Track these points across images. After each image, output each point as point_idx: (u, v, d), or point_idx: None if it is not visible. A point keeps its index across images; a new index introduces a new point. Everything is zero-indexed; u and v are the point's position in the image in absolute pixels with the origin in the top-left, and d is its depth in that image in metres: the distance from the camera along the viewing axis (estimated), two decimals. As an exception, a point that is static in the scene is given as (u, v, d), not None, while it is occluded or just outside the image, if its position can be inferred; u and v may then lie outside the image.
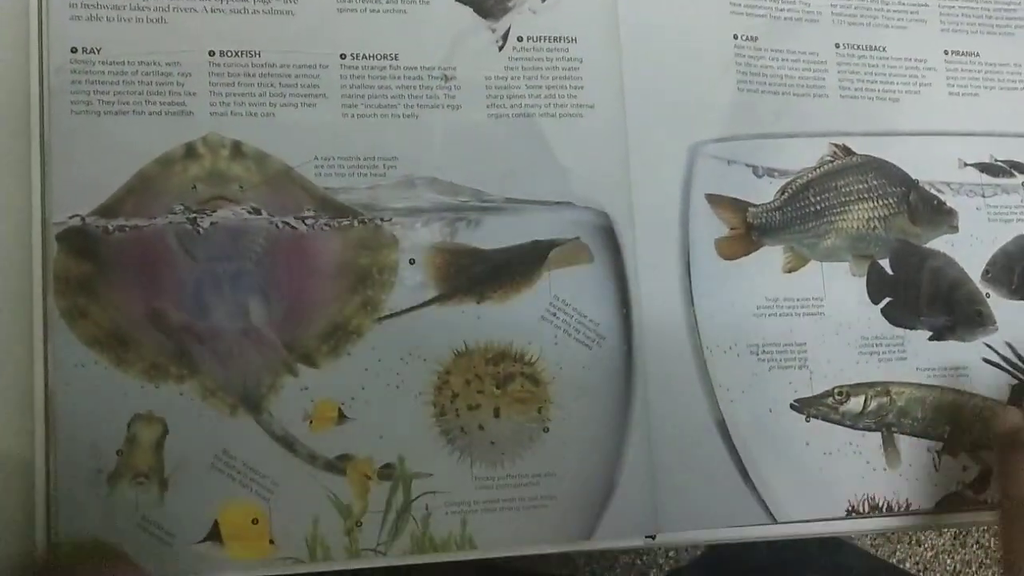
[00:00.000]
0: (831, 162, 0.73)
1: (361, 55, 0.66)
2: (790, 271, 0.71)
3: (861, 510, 0.70)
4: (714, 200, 0.70)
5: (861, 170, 0.73)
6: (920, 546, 1.50)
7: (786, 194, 0.72)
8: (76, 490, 0.59)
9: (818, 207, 0.72)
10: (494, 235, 0.66)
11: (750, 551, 0.88)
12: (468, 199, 0.66)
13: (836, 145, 0.73)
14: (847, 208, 0.73)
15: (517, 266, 0.66)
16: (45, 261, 0.60)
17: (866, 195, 0.73)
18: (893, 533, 1.45)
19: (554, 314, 0.66)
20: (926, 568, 1.50)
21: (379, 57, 0.66)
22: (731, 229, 0.71)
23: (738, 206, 0.71)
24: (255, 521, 0.61)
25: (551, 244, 0.66)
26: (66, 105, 0.61)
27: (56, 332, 0.60)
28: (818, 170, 0.72)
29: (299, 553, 0.61)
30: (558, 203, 0.67)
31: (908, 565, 1.48)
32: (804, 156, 0.73)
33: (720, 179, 0.71)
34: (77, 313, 0.60)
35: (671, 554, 1.38)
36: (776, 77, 0.73)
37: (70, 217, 0.60)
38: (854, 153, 0.73)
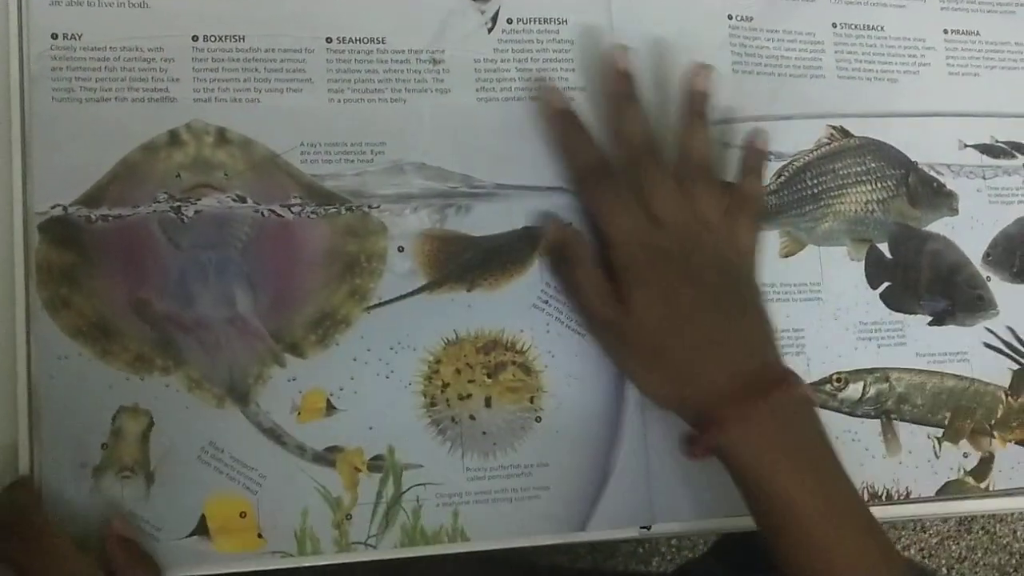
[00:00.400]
0: (828, 144, 0.72)
1: (347, 39, 0.65)
2: (787, 256, 0.70)
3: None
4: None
5: (859, 152, 0.72)
6: (925, 532, 1.49)
7: (782, 177, 0.71)
8: (61, 484, 0.58)
9: (815, 190, 0.71)
10: (484, 221, 0.65)
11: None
12: (458, 185, 0.65)
13: (833, 127, 0.72)
14: (845, 191, 0.72)
15: (508, 253, 0.65)
16: (27, 252, 0.59)
17: (864, 178, 0.72)
18: (888, 528, 1.44)
19: (546, 301, 0.65)
20: (931, 555, 1.49)
21: (366, 40, 0.65)
22: (726, 214, 0.69)
23: (735, 190, 0.70)
24: (243, 515, 0.60)
25: (543, 230, 0.65)
26: (47, 92, 0.60)
27: (39, 323, 0.59)
28: (815, 152, 0.71)
29: (288, 547, 0.60)
30: (550, 188, 0.66)
31: (913, 551, 1.48)
32: (801, 138, 0.72)
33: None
34: (60, 304, 0.59)
35: (673, 542, 1.37)
36: (772, 58, 0.72)
37: (52, 207, 0.59)
38: (852, 135, 0.72)
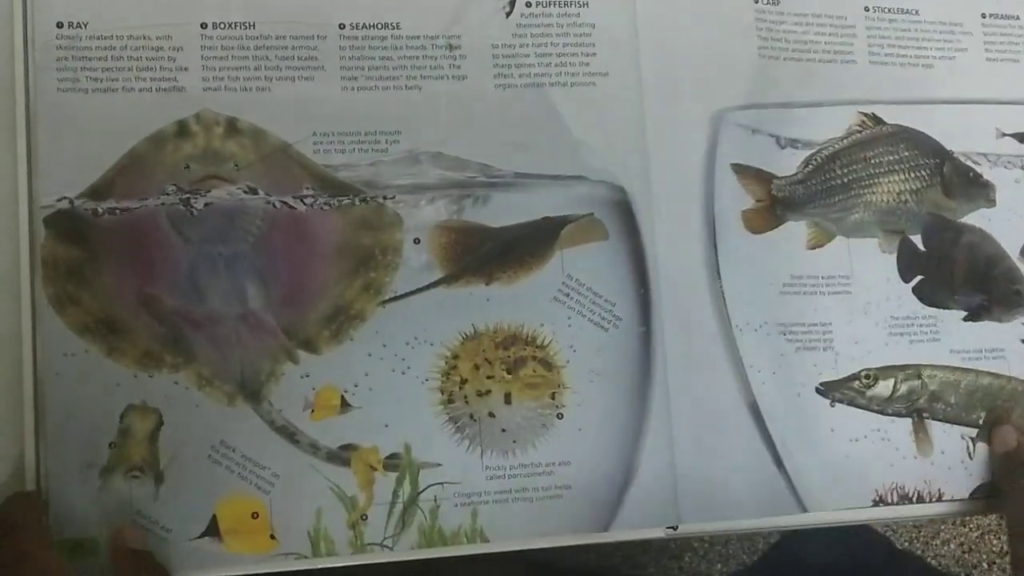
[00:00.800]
0: (859, 132, 0.69)
1: (361, 24, 0.63)
2: (814, 247, 0.68)
3: (889, 500, 0.67)
4: (740, 171, 0.68)
5: (891, 140, 0.70)
6: (965, 527, 1.46)
7: (810, 166, 0.69)
8: (67, 485, 0.57)
9: (845, 180, 0.69)
10: (503, 212, 0.63)
11: (811, 555, 0.86)
12: (475, 174, 0.63)
13: (865, 114, 0.70)
14: (876, 181, 0.69)
15: (527, 244, 0.63)
16: (32, 246, 0.58)
17: (897, 167, 0.70)
18: (926, 522, 1.41)
19: (567, 295, 0.64)
20: (972, 548, 1.46)
21: (380, 26, 0.64)
22: (757, 201, 0.68)
23: (764, 177, 0.68)
24: (255, 515, 0.59)
25: (563, 221, 0.64)
26: (52, 83, 0.59)
27: (45, 320, 0.58)
28: (845, 140, 0.69)
29: (301, 548, 0.59)
30: (570, 177, 0.65)
31: (953, 547, 1.45)
32: (830, 126, 0.70)
33: (745, 149, 0.68)
34: (66, 300, 0.58)
35: (706, 539, 1.35)
36: (799, 43, 0.69)
37: (58, 200, 0.59)
38: (884, 122, 0.70)
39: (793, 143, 0.69)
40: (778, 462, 0.65)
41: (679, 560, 1.33)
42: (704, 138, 0.67)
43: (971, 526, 1.46)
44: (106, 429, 0.58)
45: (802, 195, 0.68)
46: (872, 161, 0.69)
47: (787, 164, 0.69)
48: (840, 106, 0.70)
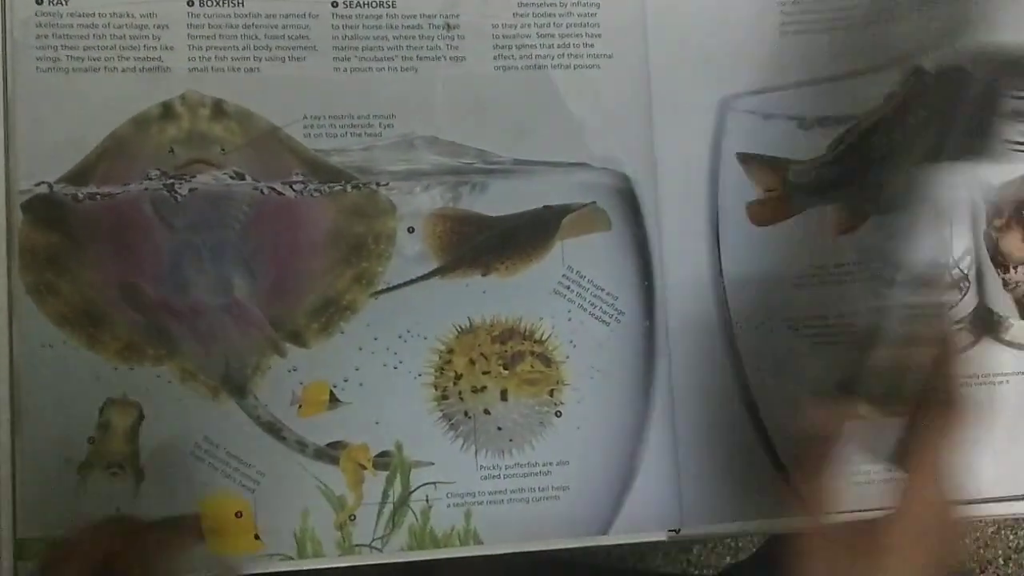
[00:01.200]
0: (901, 93, 0.64)
1: (354, 3, 0.62)
2: (845, 231, 0.65)
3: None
4: (747, 160, 0.65)
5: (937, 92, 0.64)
6: (981, 521, 1.44)
7: (844, 144, 0.65)
8: (44, 481, 0.56)
9: (886, 151, 0.64)
10: (501, 200, 0.62)
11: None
12: (472, 160, 0.62)
13: (907, 72, 0.64)
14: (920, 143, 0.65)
15: (527, 234, 0.62)
16: (10, 233, 0.57)
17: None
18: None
19: (567, 287, 0.62)
20: (987, 544, 1.44)
21: (374, 4, 0.62)
22: (766, 191, 0.65)
23: (776, 166, 0.65)
24: (239, 514, 0.58)
25: (564, 210, 0.62)
26: (31, 62, 0.58)
27: (22, 310, 0.57)
28: (885, 107, 0.65)
29: (287, 549, 0.58)
30: (572, 164, 0.63)
31: (967, 541, 1.43)
32: (867, 96, 0.65)
33: (754, 136, 0.65)
34: (45, 289, 0.57)
35: (716, 532, 1.35)
36: (828, 11, 0.66)
37: (36, 184, 0.58)
38: (927, 73, 0.64)
39: (822, 121, 0.66)
40: (777, 464, 0.63)
41: (688, 553, 1.32)
42: (711, 125, 0.64)
43: (986, 520, 1.44)
44: (85, 423, 0.57)
45: (834, 176, 0.65)
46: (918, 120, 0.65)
47: (813, 146, 0.65)
48: (881, 71, 0.65)
